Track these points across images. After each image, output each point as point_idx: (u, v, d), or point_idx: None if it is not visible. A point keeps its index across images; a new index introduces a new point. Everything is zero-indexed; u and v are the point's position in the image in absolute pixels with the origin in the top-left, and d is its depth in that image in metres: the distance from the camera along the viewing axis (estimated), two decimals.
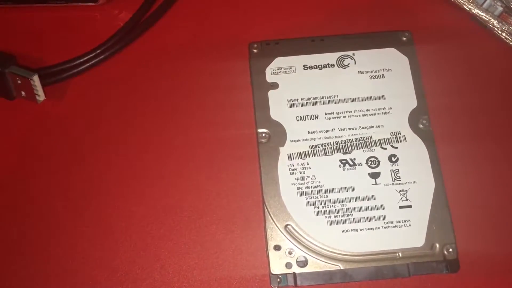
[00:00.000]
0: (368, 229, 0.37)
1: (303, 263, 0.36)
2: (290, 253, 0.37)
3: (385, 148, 0.39)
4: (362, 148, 0.39)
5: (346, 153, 0.39)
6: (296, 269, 0.36)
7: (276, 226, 0.37)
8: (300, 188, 0.38)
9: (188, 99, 0.42)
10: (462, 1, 0.44)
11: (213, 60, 0.43)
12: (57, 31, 0.45)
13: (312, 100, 0.40)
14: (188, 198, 0.39)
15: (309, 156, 0.39)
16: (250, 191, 0.39)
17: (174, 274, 0.38)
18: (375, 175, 0.38)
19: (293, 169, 0.39)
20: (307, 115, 0.40)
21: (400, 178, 0.38)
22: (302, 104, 0.40)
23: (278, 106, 0.40)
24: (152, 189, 0.40)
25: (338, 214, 0.37)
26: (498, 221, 0.38)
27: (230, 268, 0.38)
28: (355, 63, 0.42)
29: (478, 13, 0.43)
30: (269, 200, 0.38)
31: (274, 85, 0.41)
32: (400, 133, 0.39)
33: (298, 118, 0.40)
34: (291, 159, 0.39)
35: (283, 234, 0.37)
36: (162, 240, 0.38)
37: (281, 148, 0.39)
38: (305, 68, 0.42)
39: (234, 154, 0.40)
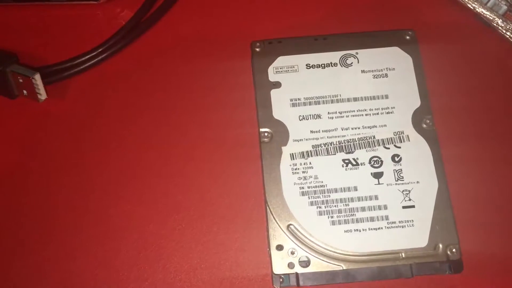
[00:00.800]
0: (371, 229, 0.37)
1: (305, 263, 0.36)
2: (292, 253, 0.37)
3: (388, 148, 0.39)
4: (365, 148, 0.39)
5: (349, 152, 0.39)
6: (298, 269, 0.36)
7: (279, 226, 0.37)
8: (303, 187, 0.38)
9: (190, 98, 0.42)
10: (466, 0, 0.43)
11: (215, 59, 0.43)
12: (59, 30, 0.45)
13: (315, 100, 0.40)
14: (190, 197, 0.39)
15: (311, 156, 0.39)
16: (252, 191, 0.39)
17: (176, 273, 0.38)
18: (378, 175, 0.38)
19: (296, 169, 0.38)
20: (310, 115, 0.40)
21: (403, 178, 0.38)
22: (304, 104, 0.40)
23: (280, 106, 0.40)
24: (154, 188, 0.40)
25: (340, 214, 0.37)
26: (501, 221, 0.38)
27: (232, 268, 0.37)
28: (358, 62, 0.41)
29: (482, 11, 0.43)
30: (271, 200, 0.38)
31: (277, 84, 0.41)
32: (403, 132, 0.39)
33: (301, 118, 0.40)
34: (294, 159, 0.39)
35: (285, 234, 0.37)
36: (163, 239, 0.38)
37: (283, 148, 0.39)
38: (308, 67, 0.41)
39: (236, 154, 0.40)
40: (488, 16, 0.43)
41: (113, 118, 0.42)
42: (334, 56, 0.42)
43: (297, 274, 0.36)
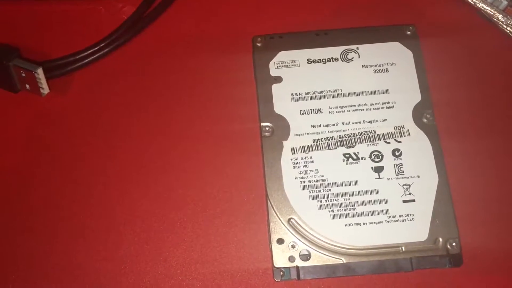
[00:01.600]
0: (371, 223, 0.37)
1: (306, 257, 0.36)
2: (293, 246, 0.37)
3: (389, 142, 0.39)
4: (365, 142, 0.39)
5: (349, 147, 0.39)
6: (299, 262, 0.36)
7: (279, 219, 0.37)
8: (304, 182, 0.38)
9: (191, 92, 0.42)
10: None
11: (217, 54, 0.43)
12: (61, 24, 0.45)
13: (316, 94, 0.40)
14: (192, 191, 0.39)
15: (312, 150, 0.39)
16: (254, 185, 0.39)
17: (177, 267, 0.38)
18: (378, 169, 0.38)
19: (297, 163, 0.39)
20: (311, 109, 0.40)
21: (403, 172, 0.38)
22: (305, 98, 0.40)
23: (281, 100, 0.40)
24: (156, 182, 0.40)
25: (341, 208, 0.37)
26: (501, 215, 0.38)
27: (233, 262, 0.38)
28: (359, 57, 0.42)
29: (483, 7, 0.43)
30: (272, 194, 0.38)
31: (278, 79, 0.41)
32: (404, 127, 0.39)
33: (302, 112, 0.40)
34: (295, 153, 0.39)
35: (286, 227, 0.37)
36: (165, 233, 0.39)
37: (284, 142, 0.39)
38: (309, 62, 0.41)
39: (237, 148, 0.40)
40: (488, 11, 0.43)
41: (115, 113, 0.42)
42: (335, 51, 0.42)
43: (297, 267, 0.36)
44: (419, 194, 0.37)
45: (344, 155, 0.39)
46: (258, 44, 0.42)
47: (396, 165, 0.38)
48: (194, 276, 0.37)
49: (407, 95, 0.40)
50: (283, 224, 0.37)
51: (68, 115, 0.42)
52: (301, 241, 0.37)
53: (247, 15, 0.45)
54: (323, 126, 0.40)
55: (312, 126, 0.40)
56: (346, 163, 0.38)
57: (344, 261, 0.36)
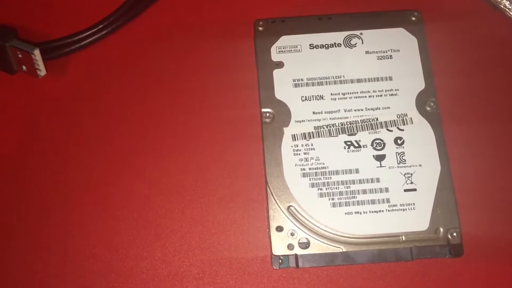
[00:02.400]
0: (372, 212, 0.37)
1: (305, 245, 0.36)
2: (292, 234, 0.36)
3: (391, 130, 0.38)
4: (367, 130, 0.39)
5: (351, 134, 0.38)
6: (298, 250, 0.36)
7: (279, 207, 0.37)
8: (304, 169, 0.38)
9: (191, 77, 0.42)
10: None
11: (218, 38, 0.42)
12: (59, 5, 0.44)
13: (318, 80, 0.40)
14: (191, 177, 0.39)
15: (313, 137, 0.38)
16: (253, 172, 0.39)
17: (175, 253, 0.37)
18: (380, 158, 0.38)
19: (297, 150, 0.38)
20: (312, 95, 0.39)
21: (405, 161, 0.38)
22: (307, 84, 0.40)
23: (283, 86, 0.40)
24: (154, 167, 0.39)
25: (341, 196, 0.37)
26: (503, 206, 0.38)
27: (231, 249, 0.37)
28: (362, 43, 0.41)
29: None
30: (272, 181, 0.37)
31: (279, 64, 0.40)
32: (406, 115, 0.39)
33: (303, 98, 0.39)
34: (295, 140, 0.38)
35: (285, 215, 0.37)
36: (163, 219, 0.38)
37: (285, 129, 0.39)
38: (311, 47, 0.41)
39: (237, 134, 0.40)
40: None
41: (113, 96, 0.41)
42: (338, 36, 0.41)
43: (296, 255, 0.36)
44: (420, 183, 0.37)
45: (345, 142, 0.38)
46: (260, 28, 0.41)
47: (398, 154, 0.38)
48: (192, 262, 0.37)
49: (411, 83, 0.40)
50: (283, 212, 0.37)
51: (65, 97, 0.41)
52: (300, 229, 0.36)
53: None
54: (325, 113, 0.39)
55: (314, 112, 0.39)
56: (348, 151, 0.38)
57: (344, 250, 0.36)
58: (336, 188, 0.37)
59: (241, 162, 0.39)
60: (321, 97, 0.39)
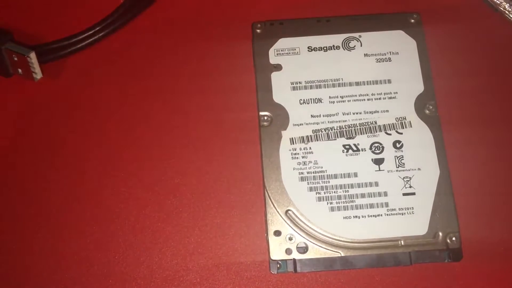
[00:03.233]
0: (370, 216, 0.36)
1: (303, 249, 0.36)
2: (290, 239, 0.36)
3: (390, 134, 0.38)
4: (366, 133, 0.38)
5: (349, 138, 0.38)
6: (296, 255, 0.36)
7: (277, 211, 0.37)
8: (302, 173, 0.37)
9: (188, 79, 0.41)
10: None
11: (215, 40, 0.42)
12: (55, 7, 0.44)
13: (316, 83, 0.40)
14: (188, 181, 0.39)
15: (311, 141, 0.38)
16: (251, 175, 0.38)
17: (172, 257, 0.37)
18: (378, 161, 0.38)
19: (295, 154, 0.38)
20: (311, 99, 0.39)
21: (404, 164, 0.37)
22: (305, 87, 0.39)
23: (281, 89, 0.39)
24: (151, 171, 0.39)
25: (340, 201, 0.37)
26: (503, 210, 0.38)
27: (229, 253, 0.37)
28: (361, 46, 0.41)
29: None
30: (270, 185, 0.37)
31: (278, 67, 0.40)
32: (405, 118, 0.39)
33: (301, 102, 0.39)
34: (293, 143, 0.38)
35: (283, 219, 0.37)
36: (160, 223, 0.38)
37: (283, 132, 0.38)
38: (310, 50, 0.40)
39: (235, 137, 0.39)
40: (495, 0, 0.42)
41: (110, 99, 0.41)
42: (336, 38, 0.41)
43: (294, 260, 0.36)
44: (419, 187, 0.37)
45: (344, 146, 0.38)
46: (258, 31, 0.41)
47: (397, 157, 0.38)
48: (189, 267, 0.37)
49: (410, 86, 0.39)
50: (281, 216, 0.37)
51: (61, 101, 0.41)
52: (298, 233, 0.36)
53: (247, 1, 0.44)
54: (323, 116, 0.39)
55: (312, 116, 0.39)
56: (346, 155, 0.38)
57: (342, 254, 0.36)
58: (334, 192, 0.37)
59: (239, 166, 0.39)
60: (320, 100, 0.39)
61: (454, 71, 0.41)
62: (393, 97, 0.39)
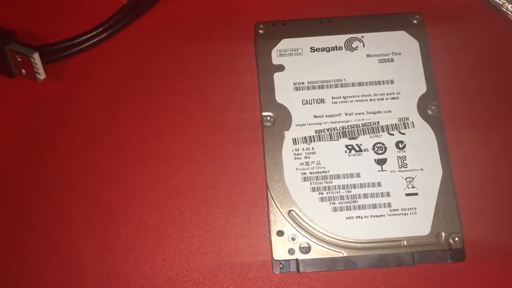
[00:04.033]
0: (373, 216, 0.36)
1: (306, 250, 0.36)
2: (293, 239, 0.36)
3: (393, 134, 0.38)
4: (368, 134, 0.38)
5: (352, 138, 0.38)
6: (298, 255, 0.36)
7: (280, 211, 0.37)
8: (305, 173, 0.37)
9: (191, 80, 0.41)
10: None
11: (218, 41, 0.42)
12: (59, 8, 0.44)
13: (319, 84, 0.40)
14: (191, 181, 0.39)
15: (314, 141, 0.38)
16: (254, 176, 0.38)
17: (175, 257, 0.37)
18: (381, 162, 0.38)
19: (298, 154, 0.38)
20: (313, 99, 0.39)
21: (407, 165, 0.37)
22: (308, 88, 0.39)
23: (283, 89, 0.40)
24: (154, 171, 0.39)
25: (342, 201, 0.37)
26: (505, 210, 0.38)
27: (232, 253, 0.37)
28: (363, 46, 0.41)
29: None
30: (272, 185, 0.37)
31: (280, 68, 0.40)
32: (408, 119, 0.39)
33: (304, 102, 0.39)
34: (296, 144, 0.38)
35: (286, 219, 0.37)
36: (163, 223, 0.38)
37: (286, 132, 0.38)
38: (312, 51, 0.41)
39: (238, 138, 0.40)
40: (497, 0, 0.42)
41: (113, 99, 0.41)
42: (339, 39, 0.41)
43: (297, 260, 0.36)
44: (422, 187, 0.37)
45: (346, 146, 0.38)
46: (261, 31, 0.41)
47: (400, 158, 0.38)
48: (192, 267, 0.37)
49: (412, 86, 0.39)
50: (283, 216, 0.37)
51: (65, 101, 0.41)
52: (301, 233, 0.36)
53: (249, 1, 0.44)
54: (326, 116, 0.39)
55: (315, 116, 0.39)
56: (349, 155, 0.38)
57: (345, 255, 0.36)
58: (337, 192, 0.37)
59: (241, 166, 0.39)
60: (322, 101, 0.39)
61: (456, 72, 0.41)
62: (396, 98, 0.39)
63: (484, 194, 0.38)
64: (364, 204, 0.37)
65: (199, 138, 0.40)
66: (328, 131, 0.38)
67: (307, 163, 0.38)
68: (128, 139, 0.40)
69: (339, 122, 0.39)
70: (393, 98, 0.39)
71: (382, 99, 0.39)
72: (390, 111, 0.39)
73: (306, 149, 0.38)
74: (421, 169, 0.37)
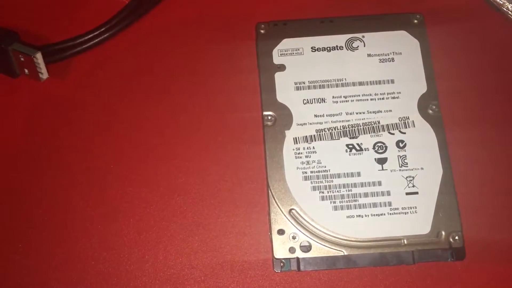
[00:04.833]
0: (374, 215, 0.37)
1: (306, 248, 0.36)
2: (293, 237, 0.36)
3: (393, 134, 0.38)
4: (369, 133, 0.38)
5: (353, 137, 0.38)
6: (299, 254, 0.36)
7: (280, 210, 0.37)
8: (305, 172, 0.37)
9: (193, 79, 0.42)
10: None
11: (219, 40, 0.42)
12: (61, 8, 0.44)
13: (320, 83, 0.40)
14: (192, 180, 0.39)
15: (315, 140, 0.38)
16: (255, 175, 0.39)
17: (177, 256, 0.37)
18: (382, 161, 0.38)
19: (299, 153, 0.38)
20: (314, 98, 0.39)
21: (407, 164, 0.38)
22: (309, 87, 0.40)
23: (284, 89, 0.40)
24: (156, 170, 0.39)
25: (343, 200, 0.37)
26: (506, 209, 0.38)
27: (233, 252, 0.37)
28: (364, 46, 0.41)
29: None
30: (273, 184, 0.37)
31: (281, 67, 0.40)
32: (408, 118, 0.39)
33: (305, 101, 0.39)
34: (297, 143, 0.38)
35: (287, 218, 0.37)
36: (165, 222, 0.38)
37: (287, 132, 0.39)
38: (313, 50, 0.41)
39: (239, 137, 0.40)
40: (498, 0, 0.42)
41: (115, 99, 0.41)
42: (340, 39, 0.41)
43: (298, 258, 0.36)
44: (422, 186, 0.37)
45: (347, 145, 0.38)
46: (262, 31, 0.41)
47: (400, 157, 0.38)
48: (193, 265, 0.37)
49: (413, 86, 0.40)
50: (284, 215, 0.37)
51: (67, 101, 0.41)
52: (302, 232, 0.36)
53: (251, 1, 0.44)
54: (327, 116, 0.39)
55: (315, 115, 0.39)
56: (349, 154, 0.38)
57: (345, 253, 0.36)
58: (337, 191, 0.37)
59: (242, 165, 0.39)
60: (323, 100, 0.39)
61: (457, 71, 0.41)
62: (396, 97, 0.39)
63: (484, 193, 0.38)
64: (364, 203, 0.37)
65: (201, 138, 0.40)
66: (328, 131, 0.39)
67: (307, 162, 0.38)
68: (130, 138, 0.40)
69: (339, 121, 0.39)
70: (393, 98, 0.39)
71: (383, 98, 0.39)
72: (390, 111, 0.39)
73: (307, 148, 0.38)
74: (422, 168, 0.37)
